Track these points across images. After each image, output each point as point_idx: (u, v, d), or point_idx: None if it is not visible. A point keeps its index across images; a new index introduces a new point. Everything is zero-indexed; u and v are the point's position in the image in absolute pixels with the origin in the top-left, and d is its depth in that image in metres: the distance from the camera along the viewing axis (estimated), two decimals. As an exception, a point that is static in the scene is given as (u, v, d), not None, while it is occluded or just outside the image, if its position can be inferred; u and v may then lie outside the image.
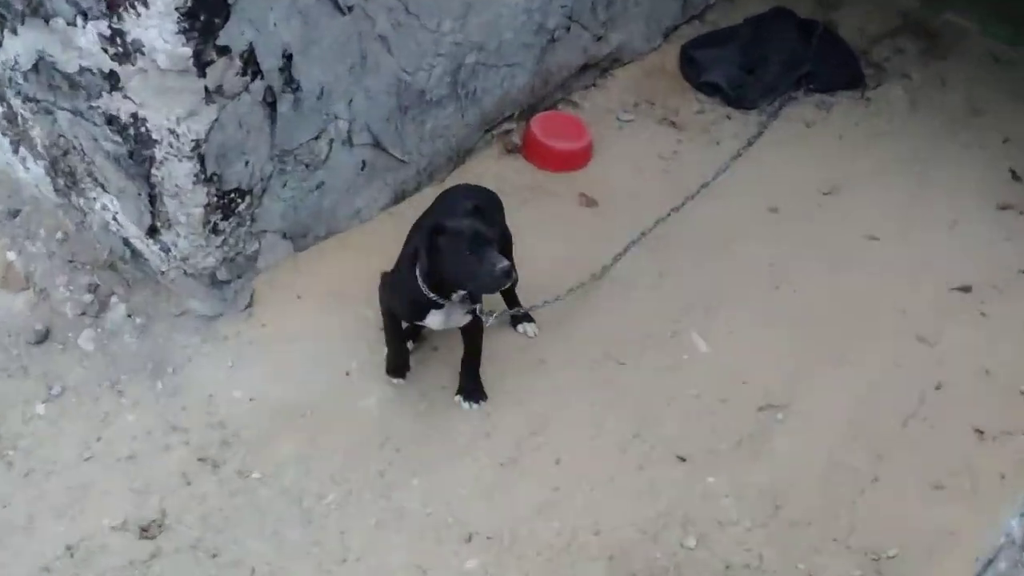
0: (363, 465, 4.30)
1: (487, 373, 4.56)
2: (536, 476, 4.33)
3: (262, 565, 3.93)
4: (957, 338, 5.08)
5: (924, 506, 4.36)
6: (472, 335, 4.42)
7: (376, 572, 3.96)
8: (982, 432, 4.64)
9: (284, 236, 4.88)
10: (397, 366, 4.53)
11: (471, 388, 4.51)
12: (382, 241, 5.14)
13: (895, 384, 4.85)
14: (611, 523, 4.20)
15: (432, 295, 4.11)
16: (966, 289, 5.33)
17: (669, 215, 5.45)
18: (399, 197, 5.39)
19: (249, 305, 4.76)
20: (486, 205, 4.33)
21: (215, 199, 4.39)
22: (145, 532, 3.98)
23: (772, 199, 5.70)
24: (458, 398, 4.51)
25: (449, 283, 4.08)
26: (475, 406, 4.49)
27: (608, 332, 4.90)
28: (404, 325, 4.47)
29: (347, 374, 4.62)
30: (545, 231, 5.21)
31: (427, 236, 4.02)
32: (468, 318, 4.30)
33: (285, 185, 4.71)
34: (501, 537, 4.12)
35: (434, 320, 4.26)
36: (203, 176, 4.28)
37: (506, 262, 3.92)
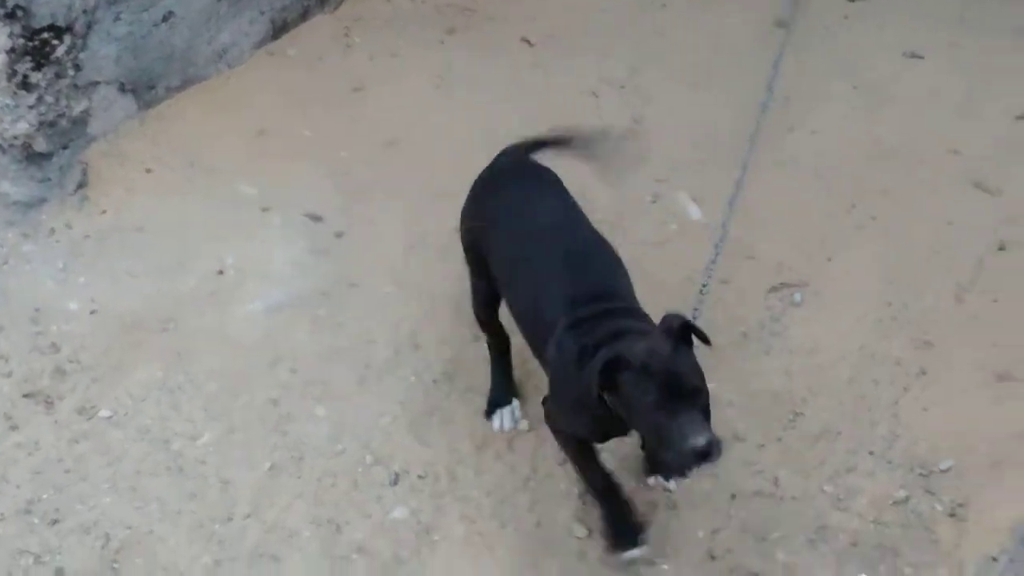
0: (248, 392, 4.31)
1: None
2: (482, 395, 4.38)
3: (120, 530, 3.92)
4: (1026, 183, 5.13)
5: (986, 404, 4.43)
6: None
7: (273, 530, 3.98)
8: (1061, 303, 4.73)
9: (123, 89, 4.81)
10: (631, 524, 3.97)
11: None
12: (257, 92, 5.10)
13: (947, 248, 4.92)
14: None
15: None
16: (1037, 118, 5.38)
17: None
18: (278, 29, 5.33)
19: (82, 186, 4.72)
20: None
21: (21, 41, 4.32)
22: (-42, 496, 3.99)
23: (779, 7, 5.66)
24: None
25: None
26: None
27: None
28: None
29: (220, 273, 4.61)
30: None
31: (601, 372, 3.46)
32: None
33: (118, 18, 4.63)
34: (436, 476, 4.15)
35: None
36: (2, 10, 4.19)
37: (708, 434, 3.38)
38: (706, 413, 3.44)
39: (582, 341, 3.56)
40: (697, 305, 4.02)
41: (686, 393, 3.38)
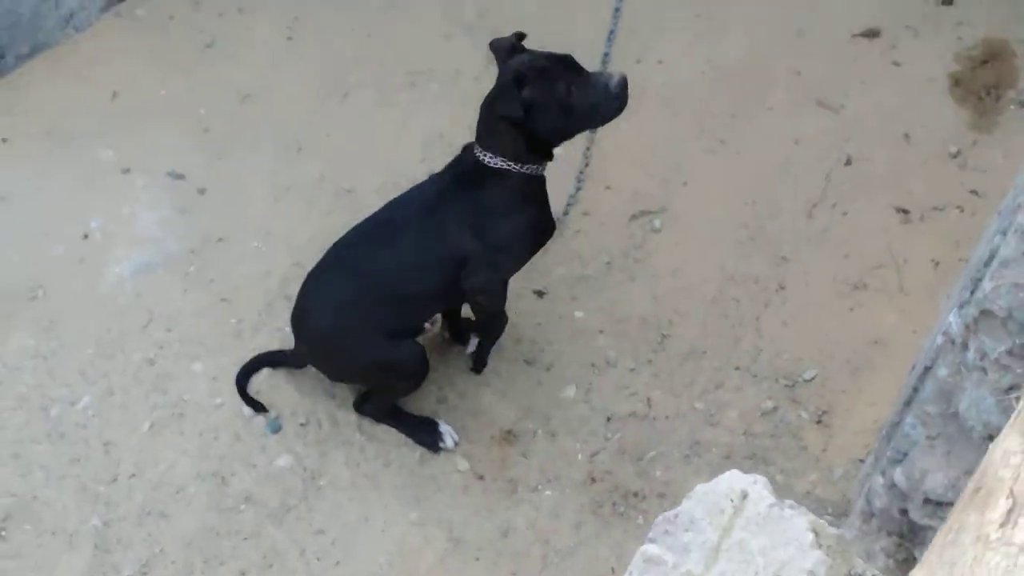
0: (123, 354, 4.27)
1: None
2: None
3: (5, 498, 3.89)
4: (867, 98, 5.23)
5: (843, 313, 4.54)
6: None
7: (159, 487, 3.96)
8: (907, 212, 4.83)
9: (-29, 60, 4.69)
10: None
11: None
12: (108, 54, 5.01)
13: (795, 166, 4.99)
14: (468, 386, 4.30)
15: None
16: (873, 34, 5.47)
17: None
18: (124, -9, 5.21)
19: (-64, 159, 4.59)
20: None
21: None
22: None
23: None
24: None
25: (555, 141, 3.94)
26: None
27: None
28: None
29: (85, 237, 4.54)
30: None
31: (509, 92, 3.75)
32: None
33: (-40, -12, 4.51)
34: (318, 422, 4.15)
35: None
36: None
37: (611, 74, 3.82)
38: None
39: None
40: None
41: (573, 63, 3.80)
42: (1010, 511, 1.02)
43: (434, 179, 4.03)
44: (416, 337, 4.08)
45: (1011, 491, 1.03)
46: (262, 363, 4.20)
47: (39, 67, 4.94)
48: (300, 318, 4.04)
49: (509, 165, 3.82)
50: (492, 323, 4.23)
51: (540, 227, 4.03)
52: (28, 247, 4.49)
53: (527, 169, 3.85)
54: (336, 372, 4.16)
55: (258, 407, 4.13)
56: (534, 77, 3.70)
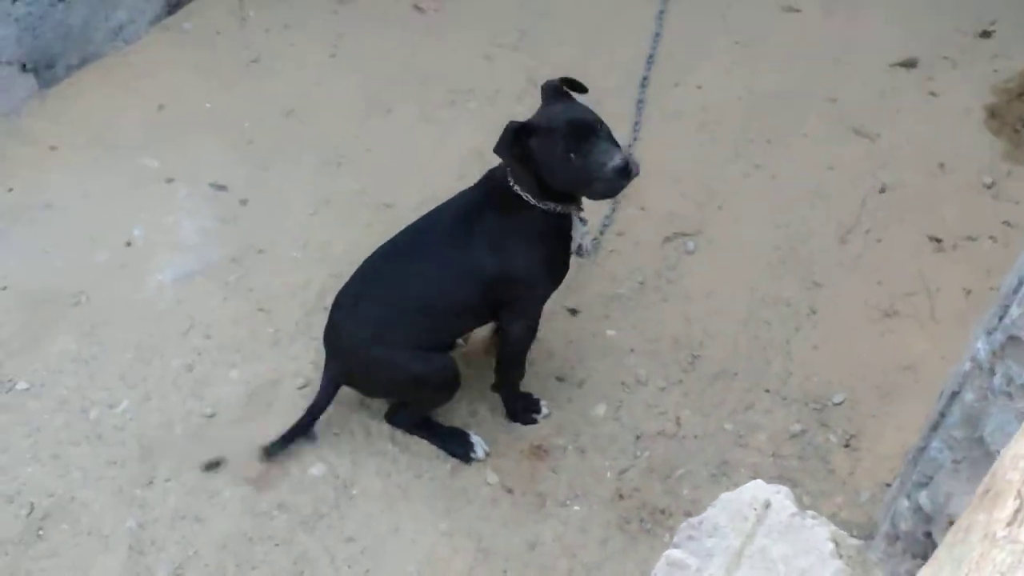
0: (162, 359, 4.31)
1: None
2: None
3: (43, 498, 3.92)
4: (903, 127, 5.26)
5: (873, 339, 4.55)
6: None
7: (194, 492, 3.99)
8: (939, 240, 4.85)
9: (24, 68, 4.76)
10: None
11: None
12: (155, 67, 5.07)
13: (829, 191, 5.01)
14: (499, 401, 4.33)
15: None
16: (910, 64, 5.49)
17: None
18: (173, 5, 5.29)
19: (-13, 165, 4.66)
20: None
21: (-80, 25, 4.25)
22: None
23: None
24: None
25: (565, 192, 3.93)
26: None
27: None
28: None
29: (128, 244, 4.59)
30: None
31: (505, 138, 3.76)
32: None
33: (16, 0, 4.57)
34: (351, 432, 4.19)
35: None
36: (-99, -4, 4.14)
37: (619, 154, 3.70)
38: (612, 140, 3.76)
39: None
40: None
41: (587, 128, 3.71)
42: (1017, 511, 1.06)
43: (466, 194, 4.05)
44: (448, 352, 4.11)
45: (1019, 492, 1.06)
46: (294, 435, 4.13)
47: (88, 78, 4.99)
48: (333, 333, 4.07)
49: (528, 198, 3.86)
50: (514, 363, 4.26)
51: (554, 264, 4.04)
52: (72, 253, 4.54)
53: (546, 206, 3.87)
54: (369, 387, 4.18)
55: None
56: (541, 132, 3.71)
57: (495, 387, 4.33)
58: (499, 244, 3.93)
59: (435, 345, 4.03)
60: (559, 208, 3.89)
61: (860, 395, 4.37)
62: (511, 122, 3.73)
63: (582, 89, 3.93)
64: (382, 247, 4.06)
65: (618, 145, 3.77)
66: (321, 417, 4.08)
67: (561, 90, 3.88)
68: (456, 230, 3.95)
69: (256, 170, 4.91)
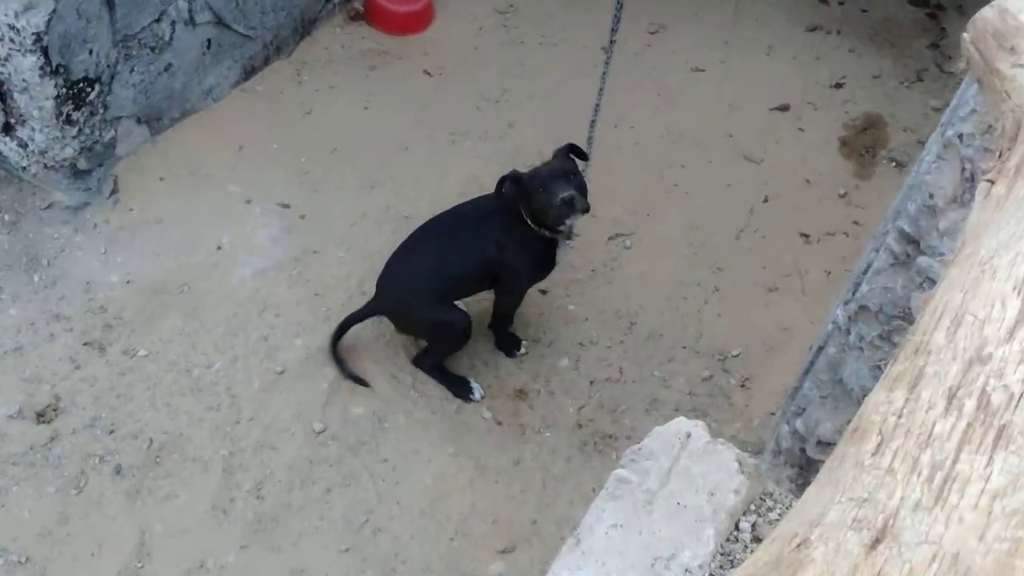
0: (245, 332, 4.26)
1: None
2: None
3: (159, 435, 3.89)
4: (779, 154, 5.22)
5: (761, 308, 4.54)
6: None
7: (269, 428, 3.97)
8: (807, 236, 4.82)
9: (139, 121, 4.70)
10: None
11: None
12: (236, 118, 5.03)
13: (727, 202, 4.98)
14: (492, 358, 4.29)
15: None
16: (784, 108, 5.46)
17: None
18: (248, 73, 5.22)
19: (114, 192, 4.60)
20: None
21: (64, 90, 4.18)
22: (41, 417, 3.89)
23: (603, 41, 5.67)
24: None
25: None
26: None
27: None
28: None
29: (218, 248, 4.53)
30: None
31: (500, 183, 3.92)
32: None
33: (133, 70, 4.51)
34: (384, 384, 4.15)
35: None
36: (49, 68, 4.07)
37: (572, 191, 3.71)
38: (581, 189, 3.78)
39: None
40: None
41: (561, 175, 3.77)
42: (879, 444, 1.03)
43: (488, 197, 4.04)
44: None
45: (880, 430, 1.04)
46: (346, 326, 4.15)
47: (187, 126, 4.93)
48: (385, 279, 4.08)
49: (528, 221, 3.90)
50: (505, 317, 4.28)
51: (539, 267, 4.09)
52: (177, 255, 4.48)
53: (538, 230, 3.91)
54: (404, 323, 4.19)
55: (346, 373, 4.12)
56: (526, 180, 3.82)
57: (491, 327, 4.34)
58: (503, 244, 3.95)
59: (451, 299, 4.06)
60: (545, 232, 3.92)
61: (752, 349, 4.36)
62: (512, 173, 3.90)
63: (584, 156, 4.02)
64: (425, 223, 4.12)
65: (580, 190, 3.77)
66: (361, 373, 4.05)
67: (566, 152, 3.94)
68: (477, 224, 3.99)
69: (311, 192, 4.85)
